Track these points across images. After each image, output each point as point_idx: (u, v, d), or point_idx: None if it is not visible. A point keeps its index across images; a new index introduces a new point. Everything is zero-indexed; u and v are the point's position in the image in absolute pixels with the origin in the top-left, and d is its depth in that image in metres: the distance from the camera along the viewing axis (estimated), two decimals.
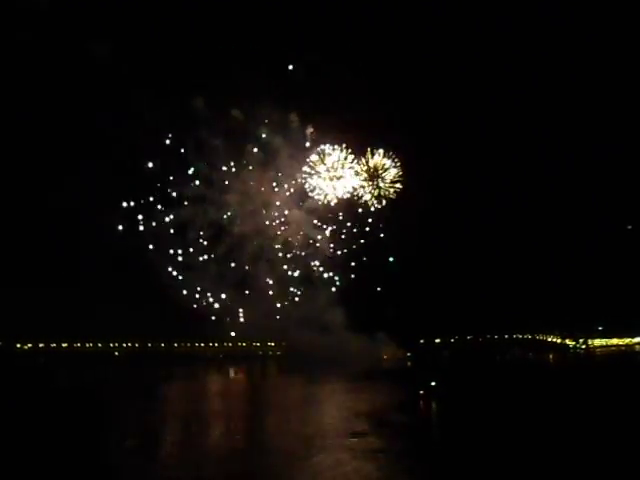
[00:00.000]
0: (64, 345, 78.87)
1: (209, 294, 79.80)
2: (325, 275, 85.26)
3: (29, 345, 77.87)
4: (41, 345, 78.21)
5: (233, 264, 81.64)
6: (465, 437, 25.35)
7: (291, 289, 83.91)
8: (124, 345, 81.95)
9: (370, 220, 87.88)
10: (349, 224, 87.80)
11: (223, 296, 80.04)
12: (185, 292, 78.86)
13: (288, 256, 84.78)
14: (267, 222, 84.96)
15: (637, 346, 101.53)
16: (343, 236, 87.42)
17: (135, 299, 75.24)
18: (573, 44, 79.80)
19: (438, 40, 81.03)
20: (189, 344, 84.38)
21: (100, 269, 77.59)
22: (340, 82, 77.26)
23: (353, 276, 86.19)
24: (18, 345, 77.39)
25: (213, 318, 79.21)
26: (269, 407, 37.90)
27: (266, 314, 79.74)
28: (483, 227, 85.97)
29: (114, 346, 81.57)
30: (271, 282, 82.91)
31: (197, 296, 79.67)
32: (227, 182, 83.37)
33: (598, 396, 36.73)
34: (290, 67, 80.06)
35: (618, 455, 20.82)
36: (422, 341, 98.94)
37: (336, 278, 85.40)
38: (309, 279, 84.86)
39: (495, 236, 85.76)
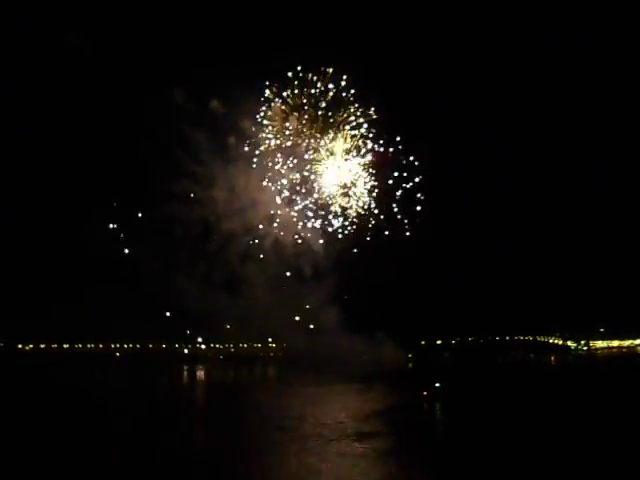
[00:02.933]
0: (65, 346, 79.68)
1: (198, 294, 79.02)
2: (319, 274, 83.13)
3: (30, 346, 78.63)
4: (42, 346, 79.00)
5: (222, 263, 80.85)
6: (472, 438, 26.05)
7: (284, 289, 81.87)
8: (125, 346, 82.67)
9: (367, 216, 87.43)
10: (344, 220, 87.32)
11: (214, 296, 78.65)
12: (175, 292, 76.89)
13: (278, 255, 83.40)
14: (255, 220, 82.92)
15: (639, 348, 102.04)
16: (339, 235, 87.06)
17: (130, 300, 75.65)
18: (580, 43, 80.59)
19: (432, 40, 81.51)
20: (190, 345, 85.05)
21: (97, 269, 78.22)
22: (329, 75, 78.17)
23: (349, 275, 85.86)
24: (19, 346, 78.17)
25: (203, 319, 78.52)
26: (274, 407, 38.50)
27: (258, 314, 79.38)
28: (484, 227, 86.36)
29: (115, 347, 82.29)
30: (262, 282, 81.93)
31: (187, 296, 77.75)
32: (213, 178, 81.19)
33: (600, 398, 37.34)
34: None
35: (618, 456, 21.43)
36: (423, 342, 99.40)
37: (331, 277, 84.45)
38: (302, 278, 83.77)
39: (497, 236, 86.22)
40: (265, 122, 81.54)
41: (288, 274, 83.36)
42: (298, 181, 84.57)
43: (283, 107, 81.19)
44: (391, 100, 79.70)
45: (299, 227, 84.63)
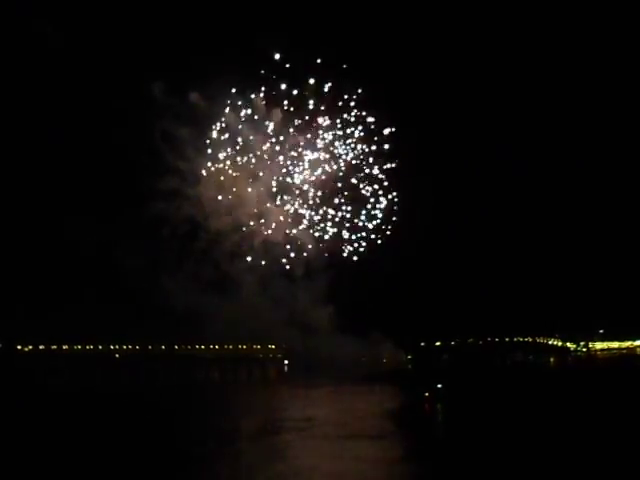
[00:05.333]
0: (65, 347, 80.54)
1: (189, 294, 77.83)
2: (312, 273, 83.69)
3: (30, 347, 79.39)
4: (42, 347, 79.79)
5: (210, 263, 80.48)
6: (475, 439, 27.20)
7: (275, 288, 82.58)
8: (124, 347, 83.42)
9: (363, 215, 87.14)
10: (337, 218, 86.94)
11: (203, 296, 78.40)
12: (174, 293, 77.10)
13: (268, 254, 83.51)
14: (244, 218, 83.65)
15: (638, 349, 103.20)
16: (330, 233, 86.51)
17: (128, 301, 76.20)
18: (576, 42, 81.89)
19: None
20: (189, 346, 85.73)
21: (95, 270, 79.04)
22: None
23: (343, 274, 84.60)
24: (19, 347, 78.90)
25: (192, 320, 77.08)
26: (281, 408, 39.60)
27: (249, 315, 78.82)
28: (484, 228, 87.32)
29: (114, 348, 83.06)
30: (252, 282, 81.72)
31: (185, 298, 77.41)
32: (200, 175, 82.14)
33: (599, 400, 38.42)
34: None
35: (618, 457, 22.38)
36: (422, 344, 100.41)
37: (324, 276, 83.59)
38: (293, 278, 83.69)
39: (496, 238, 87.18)
40: (250, 117, 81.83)
41: (273, 273, 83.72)
42: (285, 179, 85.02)
43: (265, 102, 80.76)
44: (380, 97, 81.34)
45: (289, 226, 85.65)
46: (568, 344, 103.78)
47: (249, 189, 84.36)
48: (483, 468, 21.66)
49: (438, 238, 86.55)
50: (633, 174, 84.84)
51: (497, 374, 71.01)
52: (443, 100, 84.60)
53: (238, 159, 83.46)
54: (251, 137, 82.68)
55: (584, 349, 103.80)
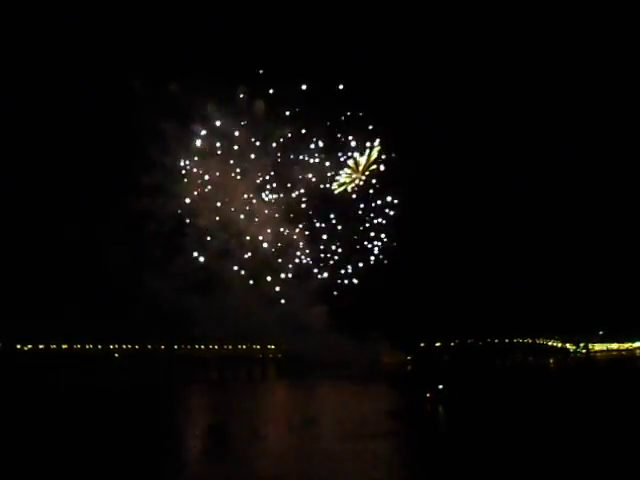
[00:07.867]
0: (64, 347, 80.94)
1: (178, 293, 77.33)
2: (305, 272, 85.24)
3: (29, 346, 79.78)
4: (41, 346, 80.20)
5: (199, 261, 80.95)
6: (477, 439, 27.95)
7: (266, 288, 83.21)
8: (124, 347, 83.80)
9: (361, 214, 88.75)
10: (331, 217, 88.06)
11: (193, 295, 78.16)
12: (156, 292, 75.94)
13: (258, 253, 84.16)
14: (231, 216, 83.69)
15: (637, 351, 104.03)
16: (324, 234, 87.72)
17: (128, 301, 76.50)
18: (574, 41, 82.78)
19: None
20: (189, 346, 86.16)
21: (95, 270, 79.41)
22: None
23: (341, 272, 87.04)
24: (18, 346, 79.24)
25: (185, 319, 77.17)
26: (287, 408, 40.17)
27: (241, 314, 78.52)
28: (485, 229, 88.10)
29: (114, 347, 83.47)
30: (242, 280, 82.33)
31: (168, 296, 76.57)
32: (185, 170, 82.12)
33: (598, 401, 39.15)
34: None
35: (617, 457, 23.03)
36: (422, 344, 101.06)
37: (317, 275, 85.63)
38: (286, 276, 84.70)
39: (497, 239, 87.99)
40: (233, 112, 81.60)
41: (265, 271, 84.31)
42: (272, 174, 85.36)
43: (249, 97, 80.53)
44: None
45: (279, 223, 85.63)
46: (567, 345, 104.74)
47: (237, 181, 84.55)
48: (485, 466, 22.34)
49: (439, 239, 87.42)
50: (633, 176, 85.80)
51: (497, 375, 71.63)
52: (438, 95, 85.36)
53: (221, 153, 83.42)
54: (235, 131, 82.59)
55: (583, 350, 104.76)
